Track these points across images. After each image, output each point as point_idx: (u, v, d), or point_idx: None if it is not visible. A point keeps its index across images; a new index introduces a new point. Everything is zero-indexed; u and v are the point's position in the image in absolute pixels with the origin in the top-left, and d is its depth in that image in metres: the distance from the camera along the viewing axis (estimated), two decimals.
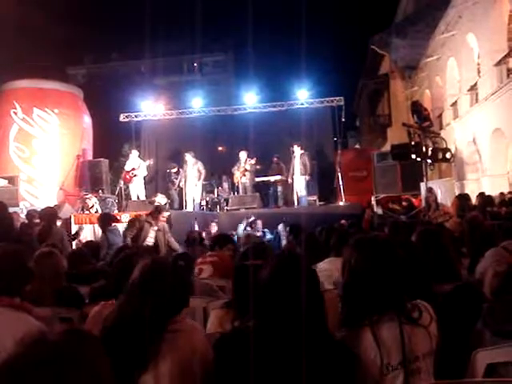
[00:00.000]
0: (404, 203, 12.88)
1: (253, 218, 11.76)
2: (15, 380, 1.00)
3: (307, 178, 13.83)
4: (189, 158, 14.12)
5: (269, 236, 11.24)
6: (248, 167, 14.17)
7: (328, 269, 3.88)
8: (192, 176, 14.07)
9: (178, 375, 2.03)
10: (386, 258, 2.12)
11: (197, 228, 11.16)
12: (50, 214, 8.08)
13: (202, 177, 14.18)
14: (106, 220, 8.07)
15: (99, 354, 1.13)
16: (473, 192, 12.28)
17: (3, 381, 1.01)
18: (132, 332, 2.00)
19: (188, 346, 2.07)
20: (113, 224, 8.10)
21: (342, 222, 10.20)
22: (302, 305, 1.81)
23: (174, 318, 2.12)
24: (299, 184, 13.84)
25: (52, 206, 10.70)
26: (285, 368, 1.76)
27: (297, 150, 13.96)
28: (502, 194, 10.60)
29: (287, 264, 1.95)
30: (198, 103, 17.13)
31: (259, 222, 11.66)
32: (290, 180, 14.08)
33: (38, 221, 9.49)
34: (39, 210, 10.75)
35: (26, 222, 9.27)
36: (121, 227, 8.73)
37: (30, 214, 9.97)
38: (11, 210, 10.76)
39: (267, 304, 1.87)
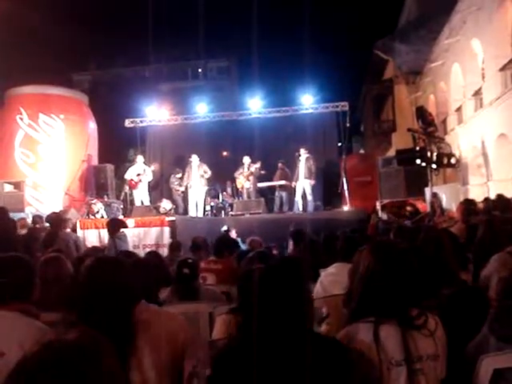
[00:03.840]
0: (409, 208, 12.86)
1: (226, 227, 11.42)
2: (34, 378, 1.01)
3: (312, 182, 13.80)
4: (194, 158, 14.14)
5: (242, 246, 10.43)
6: (253, 170, 14.16)
7: (334, 273, 3.88)
8: (196, 178, 14.06)
9: (162, 365, 2.06)
10: (403, 266, 2.13)
11: (235, 235, 10.52)
12: (56, 219, 8.11)
13: (208, 175, 14.13)
14: (116, 226, 8.07)
15: (113, 354, 1.14)
16: (477, 197, 12.25)
17: (21, 379, 1.02)
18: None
19: (162, 333, 2.11)
20: (121, 230, 8.11)
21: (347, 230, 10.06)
22: (288, 311, 1.84)
23: (138, 308, 2.15)
24: (305, 188, 13.81)
25: (58, 211, 10.75)
26: (281, 375, 1.77)
27: (303, 154, 13.95)
28: (507, 199, 10.55)
29: (273, 271, 1.96)
30: (202, 108, 17.16)
31: (233, 232, 11.18)
32: (293, 184, 14.06)
33: (40, 226, 9.55)
34: (43, 215, 10.82)
35: (32, 226, 9.33)
36: (128, 233, 8.75)
37: (35, 220, 10.04)
38: (18, 215, 10.86)
39: (259, 310, 1.88)
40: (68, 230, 8.73)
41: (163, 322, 2.17)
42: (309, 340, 1.85)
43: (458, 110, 17.80)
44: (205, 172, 14.07)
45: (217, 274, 5.18)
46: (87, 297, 2.14)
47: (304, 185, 13.81)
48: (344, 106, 15.76)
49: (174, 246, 7.12)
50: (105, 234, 10.40)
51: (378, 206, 13.29)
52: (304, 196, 13.89)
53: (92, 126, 16.77)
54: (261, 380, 1.75)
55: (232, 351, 1.89)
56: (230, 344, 1.98)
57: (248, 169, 14.22)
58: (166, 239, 11.47)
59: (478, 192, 14.50)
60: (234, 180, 14.89)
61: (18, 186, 13.44)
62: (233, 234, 10.40)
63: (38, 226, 9.81)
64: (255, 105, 16.49)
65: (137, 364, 2.01)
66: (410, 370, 1.99)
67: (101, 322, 1.98)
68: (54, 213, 8.93)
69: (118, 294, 2.12)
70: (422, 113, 12.40)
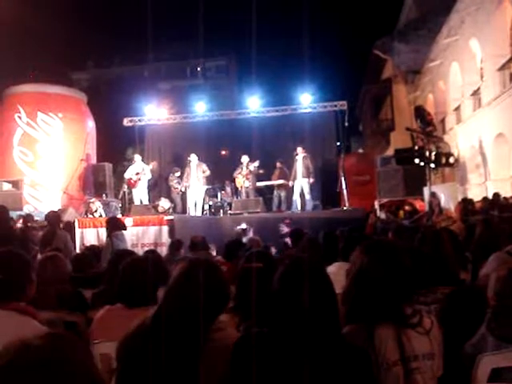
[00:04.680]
0: (407, 208, 12.88)
1: (245, 226, 11.17)
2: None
3: (310, 180, 13.79)
4: (193, 158, 14.13)
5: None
6: (252, 168, 14.15)
7: (335, 273, 3.88)
8: (195, 177, 14.06)
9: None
10: (395, 265, 2.13)
11: (251, 234, 10.23)
12: (54, 218, 8.10)
13: (207, 174, 14.11)
14: (114, 225, 8.01)
15: (86, 355, 1.12)
16: (476, 196, 12.27)
17: None
18: (174, 339, 1.96)
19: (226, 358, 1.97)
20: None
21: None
22: (315, 309, 1.81)
23: (217, 326, 2.06)
24: (303, 187, 13.81)
25: (56, 209, 10.74)
26: (301, 373, 1.75)
27: (300, 153, 13.96)
28: (505, 198, 10.60)
29: (298, 269, 1.93)
30: (201, 107, 17.14)
31: (251, 232, 10.98)
32: (291, 183, 14.06)
33: (32, 225, 9.53)
34: (33, 214, 10.80)
35: (25, 225, 9.31)
36: (126, 231, 8.70)
37: (26, 219, 10.01)
38: (16, 213, 10.87)
39: (279, 310, 1.87)
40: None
41: (228, 347, 2.00)
42: (338, 340, 1.85)
43: (457, 109, 17.83)
44: (203, 171, 14.06)
45: None
46: (172, 303, 2.04)
47: (302, 184, 13.80)
48: (343, 105, 15.74)
49: (175, 245, 7.08)
50: (103, 232, 10.37)
51: (377, 205, 13.30)
52: (302, 195, 13.88)
53: (90, 124, 16.76)
54: (280, 379, 1.75)
55: (252, 350, 1.85)
56: (249, 342, 1.94)
57: (246, 168, 14.21)
58: (165, 238, 11.45)
59: (476, 191, 14.53)
60: (233, 179, 14.88)
61: (16, 184, 13.43)
62: (250, 234, 10.31)
63: (29, 225, 9.79)
64: (254, 104, 16.47)
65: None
66: (406, 369, 1.98)
67: (175, 332, 1.93)
68: (53, 211, 8.91)
69: (206, 305, 2.00)
70: (420, 112, 12.40)
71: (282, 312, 1.86)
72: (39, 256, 5.31)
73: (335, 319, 1.89)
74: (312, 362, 1.74)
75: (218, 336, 2.02)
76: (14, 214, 10.34)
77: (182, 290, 2.05)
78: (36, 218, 10.85)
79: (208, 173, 14.13)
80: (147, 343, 1.96)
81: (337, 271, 3.87)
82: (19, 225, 9.86)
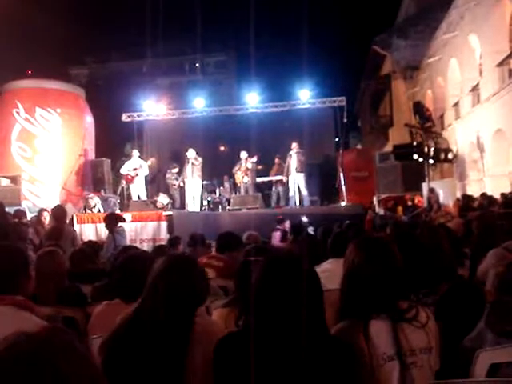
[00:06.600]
0: (410, 203, 12.89)
1: (306, 219, 10.82)
2: (10, 376, 0.99)
3: (302, 175, 13.77)
4: (190, 153, 14.07)
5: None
6: (249, 166, 14.15)
7: (330, 269, 3.88)
8: (190, 172, 14.02)
9: (207, 371, 1.98)
10: (387, 260, 2.13)
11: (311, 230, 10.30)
12: (61, 213, 8.04)
13: (199, 165, 14.04)
14: (114, 220, 7.99)
15: (86, 348, 1.12)
16: (474, 192, 12.28)
17: None
18: (159, 330, 2.02)
19: (212, 341, 2.03)
20: (119, 224, 8.04)
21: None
22: (297, 305, 1.80)
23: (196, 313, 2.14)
24: (298, 182, 13.80)
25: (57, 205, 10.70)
26: (285, 370, 1.75)
27: (294, 149, 13.96)
28: (503, 194, 10.59)
29: (277, 265, 1.94)
30: (199, 103, 17.12)
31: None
32: (285, 178, 14.04)
33: (24, 221, 9.44)
34: (24, 210, 10.73)
35: (19, 221, 9.23)
36: (125, 227, 8.70)
37: (17, 215, 9.91)
38: (14, 209, 10.82)
39: (260, 305, 1.87)
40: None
41: (214, 336, 2.06)
42: (320, 334, 1.85)
43: (456, 105, 17.82)
44: (198, 164, 13.96)
45: (217, 270, 5.15)
46: (153, 295, 2.10)
47: (297, 179, 13.78)
48: (341, 101, 15.73)
49: (173, 242, 7.05)
50: (102, 228, 10.38)
51: (375, 201, 13.31)
52: (299, 190, 13.87)
53: (89, 120, 16.72)
54: (264, 373, 1.75)
55: (238, 342, 1.87)
56: (231, 341, 1.95)
57: (245, 163, 14.21)
58: (163, 234, 11.46)
59: (474, 187, 14.54)
60: (232, 175, 14.88)
61: (14, 180, 13.41)
62: (310, 229, 10.23)
63: (23, 220, 9.70)
64: (253, 99, 16.45)
65: (191, 376, 1.98)
66: (402, 364, 1.98)
67: (162, 325, 2.00)
68: (60, 206, 8.79)
69: (187, 297, 2.12)
70: (419, 108, 12.42)
71: (262, 310, 1.86)
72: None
73: (319, 316, 1.88)
74: (296, 359, 1.74)
75: (199, 320, 2.12)
76: (12, 210, 10.31)
77: (163, 284, 2.11)
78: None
79: (200, 163, 13.98)
80: (130, 340, 2.02)
81: (333, 267, 3.87)
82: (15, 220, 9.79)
